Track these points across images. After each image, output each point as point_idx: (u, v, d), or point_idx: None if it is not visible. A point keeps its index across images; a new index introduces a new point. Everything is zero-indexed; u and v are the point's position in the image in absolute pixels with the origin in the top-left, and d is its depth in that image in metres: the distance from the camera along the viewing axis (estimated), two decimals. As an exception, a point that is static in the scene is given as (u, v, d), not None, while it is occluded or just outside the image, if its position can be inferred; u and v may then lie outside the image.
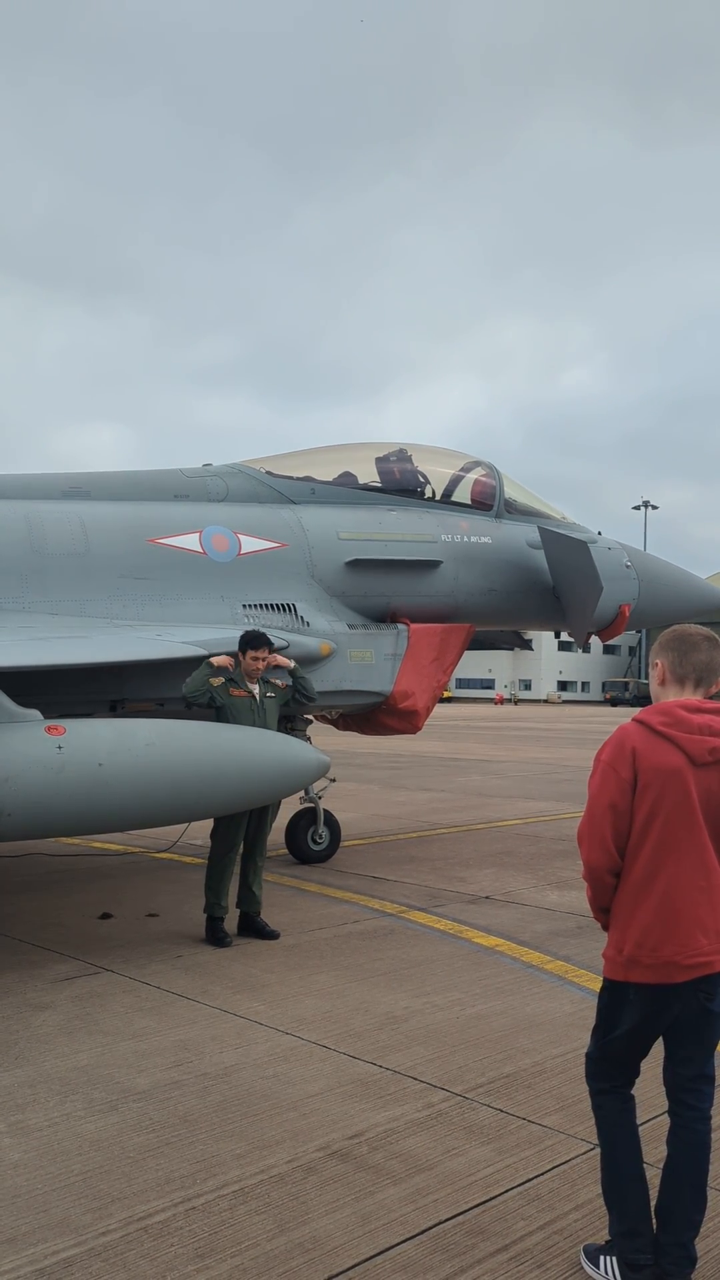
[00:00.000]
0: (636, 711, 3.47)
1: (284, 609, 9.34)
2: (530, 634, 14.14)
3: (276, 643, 8.62)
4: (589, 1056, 3.50)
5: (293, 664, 7.97)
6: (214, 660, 7.54)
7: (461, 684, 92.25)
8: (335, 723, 11.02)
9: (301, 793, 9.76)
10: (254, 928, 7.51)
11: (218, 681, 7.48)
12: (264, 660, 7.61)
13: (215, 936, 7.33)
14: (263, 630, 7.92)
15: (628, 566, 11.21)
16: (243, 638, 7.62)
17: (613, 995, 3.40)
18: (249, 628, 8.33)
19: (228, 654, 7.66)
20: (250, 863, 7.64)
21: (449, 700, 71.06)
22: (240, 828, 7.54)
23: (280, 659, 7.85)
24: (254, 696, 7.57)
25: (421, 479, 10.85)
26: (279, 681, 7.83)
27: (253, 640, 7.60)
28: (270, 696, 7.68)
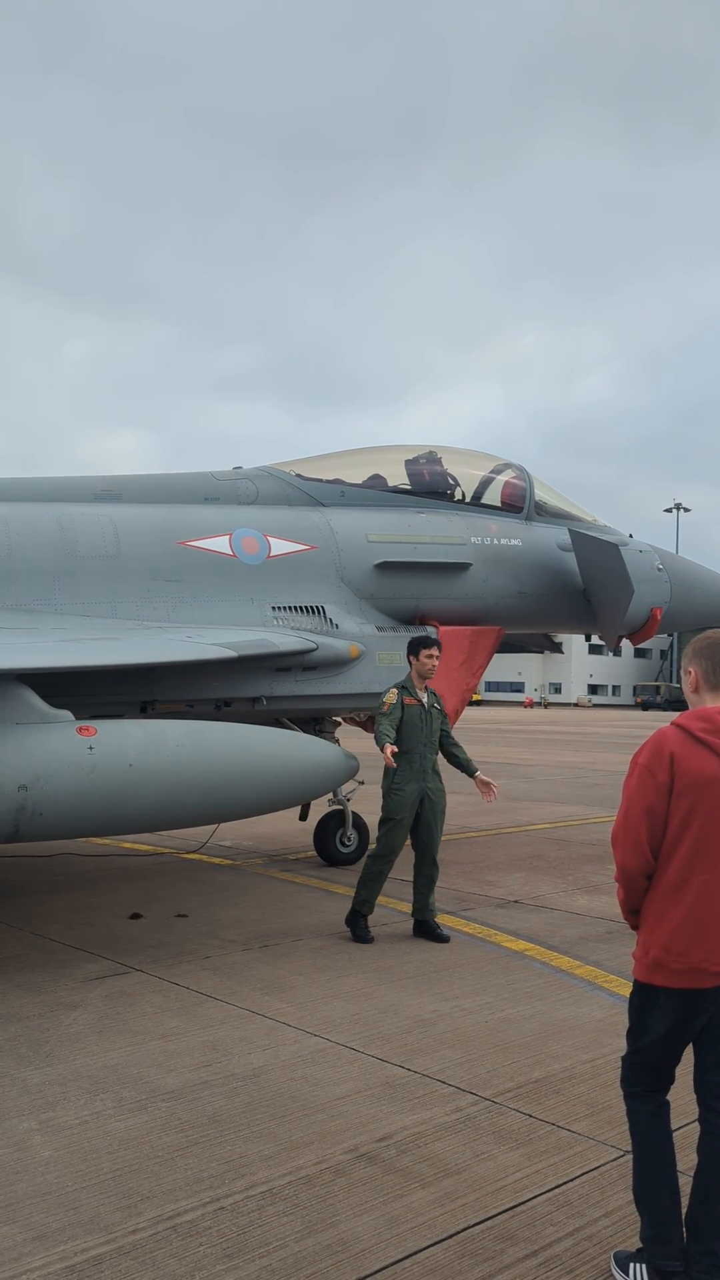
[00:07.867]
0: (667, 715, 3.45)
1: (313, 611, 9.35)
2: (560, 637, 14.05)
3: (305, 644, 8.66)
4: (623, 1060, 3.50)
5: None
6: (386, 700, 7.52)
7: (490, 687, 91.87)
8: (365, 725, 11.02)
9: (330, 795, 9.77)
10: (431, 932, 7.56)
11: (392, 697, 7.53)
12: (437, 658, 7.72)
13: (358, 932, 7.44)
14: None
15: (659, 569, 11.13)
16: (417, 640, 7.76)
17: (643, 998, 3.40)
18: (282, 629, 8.38)
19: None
20: (422, 872, 7.70)
21: (477, 703, 70.76)
22: (405, 833, 7.63)
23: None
24: (423, 705, 7.61)
25: (451, 481, 10.82)
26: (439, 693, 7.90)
27: (426, 640, 7.77)
28: (437, 708, 7.72)
